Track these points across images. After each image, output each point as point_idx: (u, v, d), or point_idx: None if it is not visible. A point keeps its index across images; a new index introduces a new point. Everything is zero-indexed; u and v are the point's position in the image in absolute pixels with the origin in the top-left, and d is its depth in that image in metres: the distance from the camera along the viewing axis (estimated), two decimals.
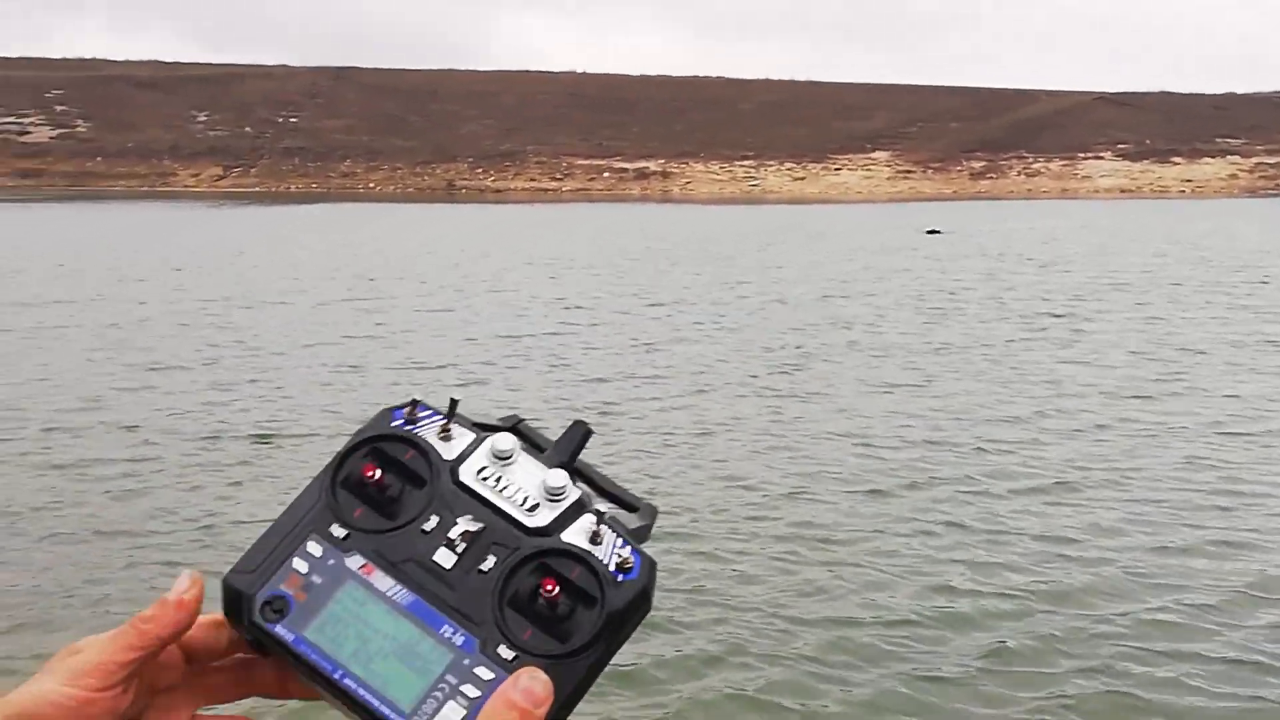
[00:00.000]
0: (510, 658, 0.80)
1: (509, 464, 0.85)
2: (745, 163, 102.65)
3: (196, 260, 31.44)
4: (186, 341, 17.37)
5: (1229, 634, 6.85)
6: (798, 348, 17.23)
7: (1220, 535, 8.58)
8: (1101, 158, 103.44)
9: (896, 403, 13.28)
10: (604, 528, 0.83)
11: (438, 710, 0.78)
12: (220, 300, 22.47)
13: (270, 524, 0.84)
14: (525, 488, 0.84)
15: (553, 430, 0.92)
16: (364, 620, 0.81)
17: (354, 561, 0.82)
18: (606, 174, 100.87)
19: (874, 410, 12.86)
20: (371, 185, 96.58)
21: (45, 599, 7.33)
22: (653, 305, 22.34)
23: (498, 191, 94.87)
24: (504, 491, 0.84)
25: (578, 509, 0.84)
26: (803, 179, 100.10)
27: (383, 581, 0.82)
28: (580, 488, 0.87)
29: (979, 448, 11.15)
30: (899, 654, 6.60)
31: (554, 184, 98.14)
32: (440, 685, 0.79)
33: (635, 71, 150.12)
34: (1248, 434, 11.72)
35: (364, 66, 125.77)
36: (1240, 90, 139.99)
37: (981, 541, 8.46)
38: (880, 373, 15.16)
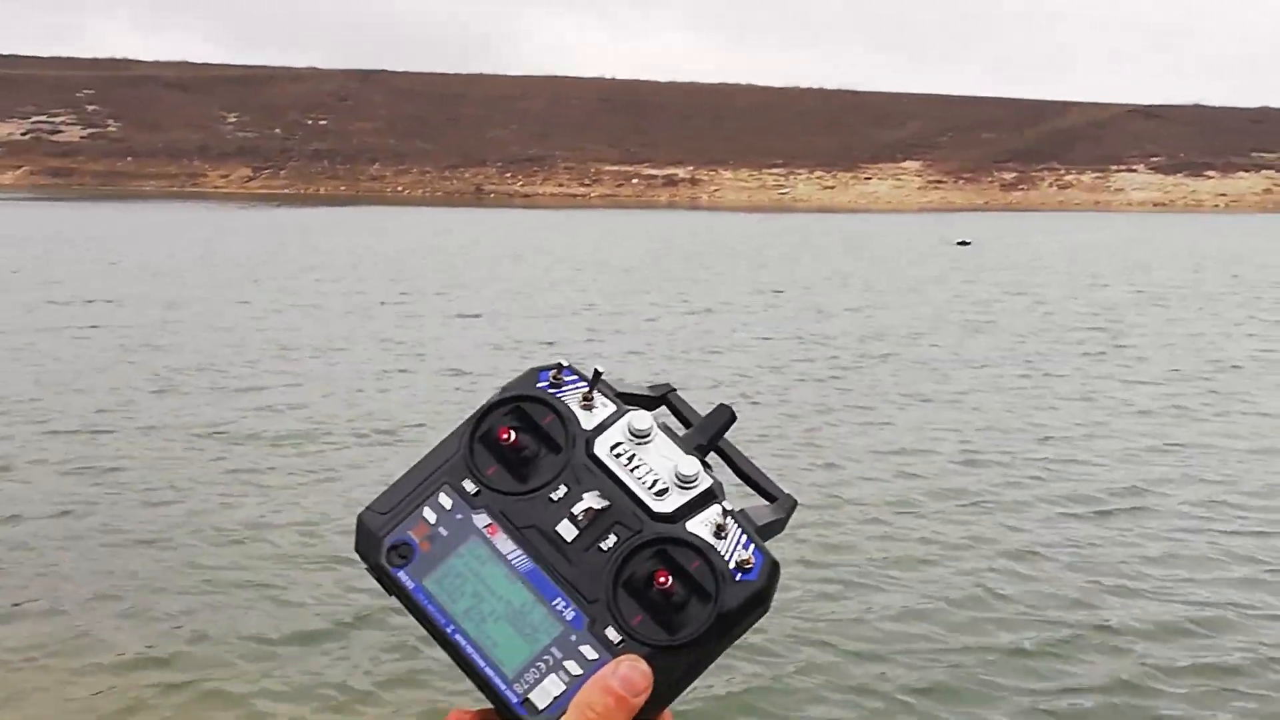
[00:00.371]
0: (616, 640, 0.79)
1: (645, 443, 0.83)
2: (775, 171, 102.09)
3: (268, 270, 31.31)
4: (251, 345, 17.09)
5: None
6: (832, 358, 16.91)
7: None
8: (1135, 170, 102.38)
9: (926, 415, 12.91)
10: (730, 522, 0.81)
11: (539, 681, 0.79)
12: (271, 301, 22.27)
13: (409, 467, 0.84)
14: (657, 469, 0.83)
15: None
16: (482, 579, 0.81)
17: (480, 519, 0.82)
18: (635, 180, 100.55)
19: (906, 423, 12.55)
20: (400, 189, 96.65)
21: (74, 604, 7.17)
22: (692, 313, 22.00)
23: (526, 196, 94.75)
24: (635, 471, 0.82)
25: (706, 498, 0.82)
26: (832, 188, 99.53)
27: (505, 544, 0.82)
28: (713, 477, 0.84)
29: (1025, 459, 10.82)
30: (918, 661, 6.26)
31: (582, 189, 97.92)
32: (545, 656, 0.79)
33: (664, 78, 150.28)
34: None
35: (393, 70, 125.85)
36: (1276, 105, 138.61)
37: (1009, 554, 8.29)
38: (915, 384, 14.80)
